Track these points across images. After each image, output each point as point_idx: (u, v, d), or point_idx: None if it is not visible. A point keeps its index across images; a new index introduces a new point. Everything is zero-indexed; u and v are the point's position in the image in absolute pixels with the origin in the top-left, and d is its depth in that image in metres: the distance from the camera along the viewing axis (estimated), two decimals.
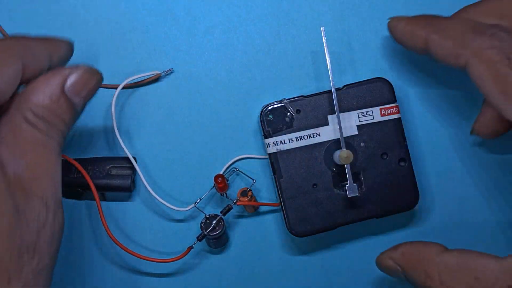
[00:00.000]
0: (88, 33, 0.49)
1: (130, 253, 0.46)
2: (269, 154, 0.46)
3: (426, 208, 0.49)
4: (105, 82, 0.43)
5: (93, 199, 0.47)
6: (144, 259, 0.46)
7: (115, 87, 0.48)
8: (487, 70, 0.39)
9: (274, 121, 0.46)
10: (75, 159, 0.47)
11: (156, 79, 0.49)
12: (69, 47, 0.42)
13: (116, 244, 0.46)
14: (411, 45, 0.45)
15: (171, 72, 0.49)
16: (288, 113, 0.46)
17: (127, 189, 0.48)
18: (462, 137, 0.49)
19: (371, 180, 0.46)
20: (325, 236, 0.48)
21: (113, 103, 0.47)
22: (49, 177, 0.37)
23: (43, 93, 0.38)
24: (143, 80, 0.49)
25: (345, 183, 0.45)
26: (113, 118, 0.47)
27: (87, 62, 0.47)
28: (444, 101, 0.49)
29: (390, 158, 0.46)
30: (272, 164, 0.46)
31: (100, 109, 0.49)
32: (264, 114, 0.46)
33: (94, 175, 0.47)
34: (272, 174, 0.46)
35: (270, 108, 0.46)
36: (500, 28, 0.40)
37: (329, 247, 0.49)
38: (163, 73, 0.49)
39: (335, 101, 0.45)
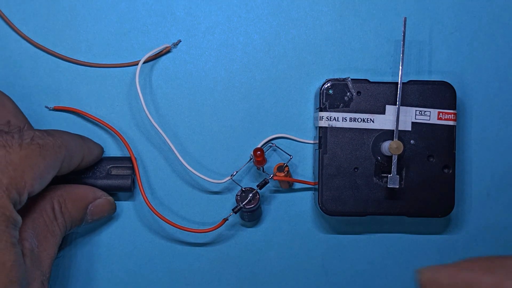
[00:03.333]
0: (88, 33, 0.49)
1: (167, 222, 0.47)
2: (319, 128, 0.46)
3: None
4: (111, 80, 0.49)
5: None
6: (181, 229, 0.47)
7: (136, 64, 0.49)
8: None
9: (333, 96, 0.46)
10: None
11: (167, 52, 0.49)
12: (100, 153, 0.48)
13: (154, 213, 0.47)
14: None
15: (180, 42, 0.49)
16: (348, 93, 0.46)
17: (127, 189, 0.47)
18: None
19: (412, 178, 0.46)
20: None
21: (137, 78, 0.47)
22: (50, 261, 0.42)
23: (77, 201, 0.45)
24: (156, 54, 0.49)
25: (386, 174, 0.45)
26: (140, 93, 0.47)
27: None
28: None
29: (436, 162, 0.46)
30: (320, 138, 0.46)
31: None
32: (325, 88, 0.46)
33: (94, 175, 0.47)
34: (316, 148, 0.47)
35: (332, 83, 0.46)
36: None
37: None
38: (172, 45, 0.49)
39: (399, 92, 0.45)
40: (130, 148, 0.48)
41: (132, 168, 0.48)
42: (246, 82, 0.49)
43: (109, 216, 0.48)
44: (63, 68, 0.49)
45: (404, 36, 0.45)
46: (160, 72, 0.49)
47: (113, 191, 0.48)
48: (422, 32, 0.49)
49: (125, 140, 0.48)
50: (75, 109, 0.49)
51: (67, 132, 0.44)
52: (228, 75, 0.49)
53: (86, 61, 0.49)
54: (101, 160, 0.48)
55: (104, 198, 0.47)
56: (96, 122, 0.49)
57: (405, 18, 0.45)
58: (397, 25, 0.49)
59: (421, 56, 0.49)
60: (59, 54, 0.49)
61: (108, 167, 0.48)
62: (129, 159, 0.48)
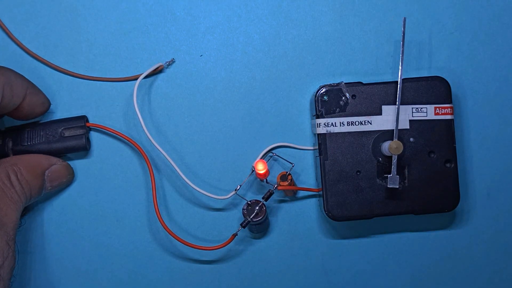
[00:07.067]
0: (88, 33, 0.50)
1: (182, 242, 0.47)
2: (318, 135, 0.46)
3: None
4: (108, 93, 0.49)
5: None
6: (192, 247, 0.47)
7: (136, 78, 0.49)
8: None
9: (328, 102, 0.46)
10: (19, 125, 0.48)
11: (160, 71, 0.50)
12: (46, 101, 0.48)
13: (168, 232, 0.47)
14: None
15: (173, 62, 0.50)
16: (343, 97, 0.46)
17: (83, 148, 0.48)
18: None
19: (415, 176, 0.46)
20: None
21: (135, 95, 0.47)
22: (13, 225, 0.44)
23: (31, 168, 0.46)
24: (150, 72, 0.49)
25: (388, 174, 0.45)
26: (138, 112, 0.47)
27: (87, 63, 0.49)
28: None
29: (437, 157, 0.46)
30: (319, 144, 0.46)
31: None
32: (320, 94, 0.46)
33: (47, 140, 0.47)
34: (317, 155, 0.47)
35: (326, 89, 0.46)
36: None
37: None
38: (165, 64, 0.49)
39: (399, 92, 0.45)
40: (150, 163, 0.48)
41: (84, 127, 0.48)
42: (246, 82, 0.50)
43: (68, 182, 0.49)
44: (62, 78, 0.50)
45: (403, 36, 0.45)
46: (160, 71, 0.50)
47: (70, 153, 0.48)
48: (422, 32, 0.49)
49: (144, 153, 0.48)
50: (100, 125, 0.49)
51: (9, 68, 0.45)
52: (228, 75, 0.50)
53: (86, 61, 0.50)
54: (52, 123, 0.48)
55: (59, 164, 0.48)
56: (114, 134, 0.49)
57: (405, 18, 0.46)
58: (397, 25, 0.49)
59: (420, 56, 0.49)
60: (56, 66, 0.49)
61: (60, 129, 0.48)
62: (79, 119, 0.48)
